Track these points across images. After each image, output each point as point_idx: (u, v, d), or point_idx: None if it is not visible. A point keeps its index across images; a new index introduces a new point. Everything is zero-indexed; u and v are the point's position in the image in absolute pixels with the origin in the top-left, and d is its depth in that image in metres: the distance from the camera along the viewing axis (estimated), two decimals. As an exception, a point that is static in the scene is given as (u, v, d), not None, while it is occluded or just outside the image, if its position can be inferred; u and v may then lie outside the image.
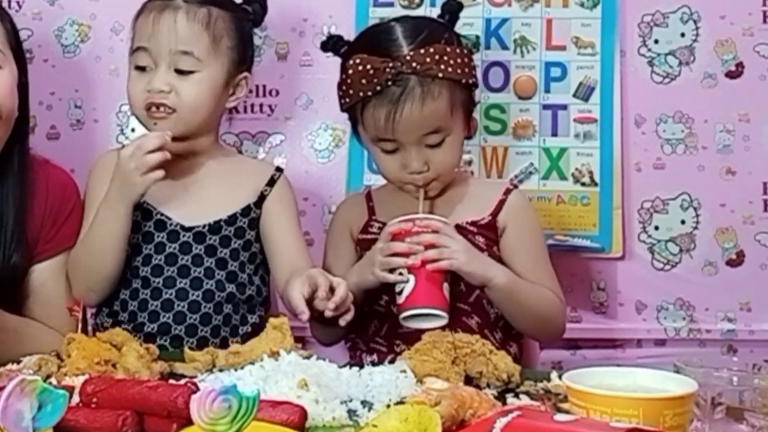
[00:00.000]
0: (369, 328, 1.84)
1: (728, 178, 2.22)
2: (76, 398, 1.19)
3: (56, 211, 1.81)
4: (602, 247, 2.21)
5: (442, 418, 1.10)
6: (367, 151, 1.92)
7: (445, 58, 1.76)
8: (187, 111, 1.80)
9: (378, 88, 1.75)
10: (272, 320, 1.51)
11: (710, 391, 1.18)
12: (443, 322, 1.68)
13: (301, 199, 2.09)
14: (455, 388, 1.24)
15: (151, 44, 1.80)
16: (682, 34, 2.22)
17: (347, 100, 1.81)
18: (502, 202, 1.86)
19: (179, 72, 1.80)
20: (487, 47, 2.23)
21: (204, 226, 1.84)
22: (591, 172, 2.21)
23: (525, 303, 1.80)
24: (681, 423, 1.10)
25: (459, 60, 1.78)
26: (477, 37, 2.22)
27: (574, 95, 2.22)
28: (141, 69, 1.82)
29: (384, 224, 1.81)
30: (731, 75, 2.21)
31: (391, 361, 1.42)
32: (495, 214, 1.85)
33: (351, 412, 1.23)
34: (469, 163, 2.21)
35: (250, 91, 2.02)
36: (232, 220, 1.86)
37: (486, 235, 1.84)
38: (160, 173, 1.72)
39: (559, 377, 1.36)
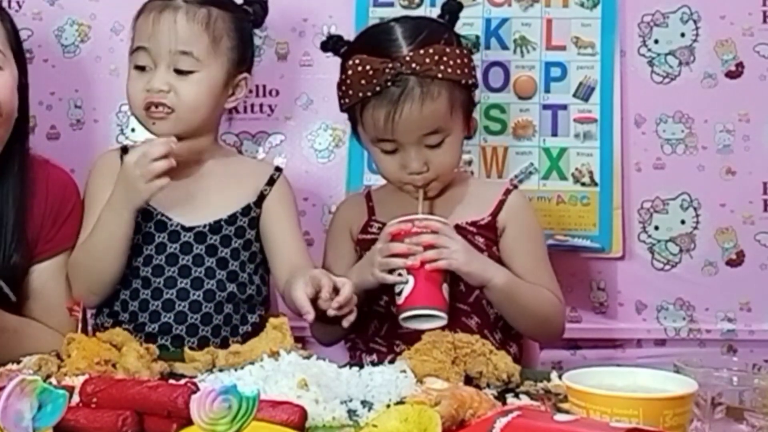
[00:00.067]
0: (369, 328, 1.84)
1: (728, 178, 2.22)
2: (76, 398, 1.20)
3: (56, 211, 1.81)
4: (602, 247, 2.21)
5: (442, 418, 1.10)
6: (367, 151, 1.92)
7: (445, 58, 1.76)
8: (186, 111, 1.80)
9: (377, 88, 1.75)
10: (272, 320, 1.52)
11: (710, 391, 1.18)
12: (443, 322, 1.68)
13: (301, 199, 2.09)
14: (455, 388, 1.24)
15: (150, 44, 1.80)
16: (682, 34, 2.22)
17: (347, 100, 1.81)
18: (501, 203, 1.86)
19: (179, 72, 1.80)
20: (487, 47, 2.23)
21: (205, 226, 1.84)
22: (591, 172, 2.21)
23: (524, 303, 1.80)
24: (681, 423, 1.10)
25: (459, 60, 1.78)
26: (477, 37, 2.22)
27: (574, 95, 2.22)
28: (141, 69, 1.82)
29: (384, 224, 1.81)
30: (731, 75, 2.21)
31: (391, 361, 1.42)
32: (495, 214, 1.85)
33: (351, 412, 1.23)
34: (469, 163, 2.21)
35: (250, 91, 2.02)
36: (232, 219, 1.86)
37: (486, 235, 1.84)
38: (165, 181, 1.72)
39: (559, 377, 1.36)
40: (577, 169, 2.21)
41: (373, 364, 1.41)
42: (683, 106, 2.22)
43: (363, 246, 1.87)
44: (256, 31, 1.98)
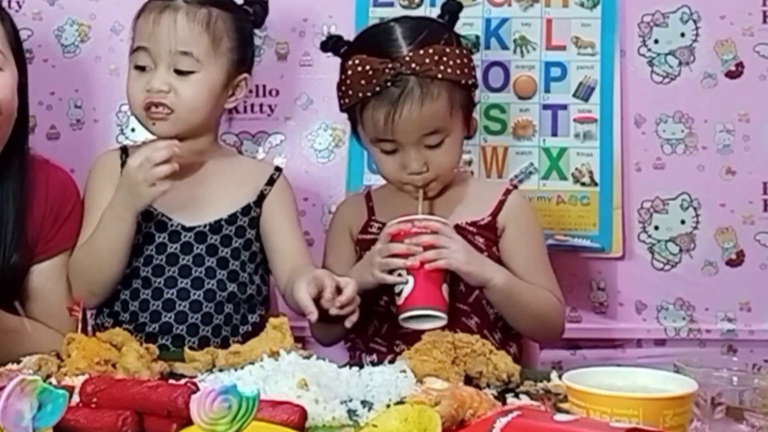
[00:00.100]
0: (368, 328, 1.84)
1: (728, 178, 2.22)
2: (76, 398, 1.19)
3: (56, 212, 1.81)
4: (602, 247, 2.21)
5: (442, 418, 1.10)
6: (367, 151, 1.92)
7: (445, 58, 1.76)
8: (186, 111, 1.80)
9: (377, 88, 1.75)
10: (272, 320, 1.52)
11: (710, 391, 1.18)
12: (442, 323, 1.68)
13: (301, 199, 2.09)
14: (455, 388, 1.24)
15: (151, 44, 1.80)
16: (682, 34, 2.22)
17: (346, 100, 1.81)
18: (501, 203, 1.86)
19: (179, 72, 1.80)
20: (487, 47, 2.23)
21: (205, 226, 1.85)
22: (591, 172, 2.21)
23: (523, 304, 1.80)
24: (681, 423, 1.10)
25: (458, 60, 1.78)
26: (477, 37, 2.22)
27: (574, 95, 2.22)
28: (141, 69, 1.82)
29: (384, 224, 1.81)
30: (731, 75, 2.21)
31: (391, 361, 1.42)
32: (495, 214, 1.85)
33: (351, 412, 1.23)
34: (469, 163, 2.21)
35: (250, 91, 2.03)
36: (232, 219, 1.86)
37: (485, 235, 1.84)
38: (168, 185, 1.72)
39: (559, 377, 1.36)
40: (577, 169, 2.21)
41: (373, 364, 1.41)
42: (683, 106, 2.22)
43: (363, 246, 1.87)
44: (256, 31, 1.98)
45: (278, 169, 1.94)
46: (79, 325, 1.55)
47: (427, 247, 1.72)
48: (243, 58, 1.88)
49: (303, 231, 1.96)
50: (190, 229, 1.84)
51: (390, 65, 1.75)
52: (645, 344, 2.27)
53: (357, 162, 2.23)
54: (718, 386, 1.20)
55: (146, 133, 1.89)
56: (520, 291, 1.79)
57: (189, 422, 1.03)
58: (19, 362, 1.44)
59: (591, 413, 1.10)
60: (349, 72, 1.79)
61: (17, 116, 1.77)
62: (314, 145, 2.26)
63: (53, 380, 1.35)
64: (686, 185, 2.23)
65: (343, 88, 1.81)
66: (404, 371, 1.34)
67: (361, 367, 1.37)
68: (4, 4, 2.07)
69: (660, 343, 2.26)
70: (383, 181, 1.91)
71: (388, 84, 1.75)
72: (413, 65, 1.75)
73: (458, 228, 1.80)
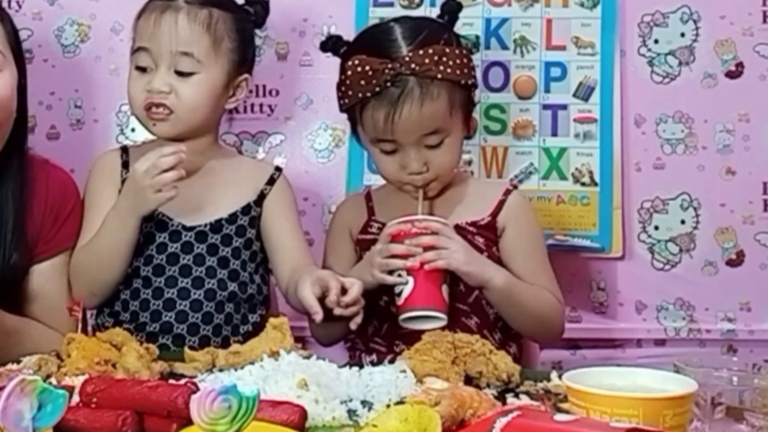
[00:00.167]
0: (368, 328, 1.84)
1: (728, 178, 2.22)
2: (76, 398, 1.19)
3: (56, 212, 1.81)
4: (602, 247, 2.21)
5: (442, 418, 1.10)
6: (367, 151, 1.92)
7: (444, 59, 1.76)
8: (186, 112, 1.81)
9: (377, 89, 1.75)
10: (272, 320, 1.52)
11: (710, 391, 1.18)
12: (442, 323, 1.68)
13: (301, 199, 2.09)
14: (455, 388, 1.24)
15: (151, 45, 1.80)
16: (682, 34, 2.22)
17: (346, 100, 1.81)
18: (501, 203, 1.86)
19: (179, 73, 1.80)
20: (487, 47, 2.23)
21: (205, 225, 1.85)
22: (591, 172, 2.21)
23: (523, 304, 1.80)
24: (681, 423, 1.10)
25: (458, 61, 1.78)
26: (477, 37, 2.22)
27: (574, 95, 2.22)
28: (141, 69, 1.82)
29: (383, 224, 1.81)
30: (731, 75, 2.21)
31: (391, 361, 1.42)
32: (495, 214, 1.85)
33: (351, 412, 1.23)
34: (469, 163, 2.21)
35: (250, 92, 2.03)
36: (232, 218, 1.86)
37: (485, 235, 1.84)
38: (174, 192, 1.72)
39: (559, 377, 1.36)
40: (577, 169, 2.21)
41: (373, 364, 1.41)
42: (683, 106, 2.22)
43: (363, 246, 1.87)
44: (256, 31, 1.98)
45: (278, 168, 1.94)
46: (79, 325, 1.55)
47: (427, 248, 1.72)
48: (244, 59, 1.88)
49: (303, 231, 1.96)
50: (191, 228, 1.84)
51: (390, 65, 1.75)
52: (645, 344, 2.26)
53: (357, 162, 2.23)
54: (718, 386, 1.20)
55: (146, 133, 1.89)
56: (519, 291, 1.80)
57: (189, 422, 1.03)
58: (19, 362, 1.44)
59: (591, 413, 1.10)
60: (349, 72, 1.79)
61: (17, 116, 1.77)
62: (314, 145, 2.26)
63: (53, 380, 1.35)
64: (686, 185, 2.23)
65: (343, 89, 1.81)
66: (404, 371, 1.34)
67: (361, 367, 1.37)
68: (4, 4, 2.07)
69: (660, 343, 2.25)
70: (383, 181, 1.91)
71: (388, 84, 1.75)
72: (413, 65, 1.75)
73: (458, 228, 1.80)
